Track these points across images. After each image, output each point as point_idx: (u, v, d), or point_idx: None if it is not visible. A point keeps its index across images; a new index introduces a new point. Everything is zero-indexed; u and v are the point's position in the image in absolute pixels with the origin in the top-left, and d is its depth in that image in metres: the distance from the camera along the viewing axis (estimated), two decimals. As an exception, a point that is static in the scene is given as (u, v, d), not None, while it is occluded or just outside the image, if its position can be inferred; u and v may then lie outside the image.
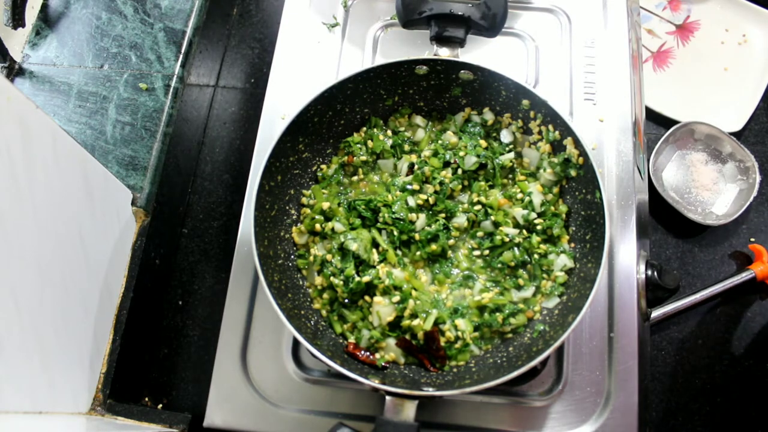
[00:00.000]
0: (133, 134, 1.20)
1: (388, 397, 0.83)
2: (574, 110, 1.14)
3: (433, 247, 0.98)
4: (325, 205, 1.01)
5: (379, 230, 1.00)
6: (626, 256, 1.03)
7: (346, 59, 1.22)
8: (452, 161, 1.04)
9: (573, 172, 0.98)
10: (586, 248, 0.95)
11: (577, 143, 0.96)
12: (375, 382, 0.83)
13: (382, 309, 0.94)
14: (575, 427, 0.95)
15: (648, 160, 1.25)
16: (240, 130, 1.36)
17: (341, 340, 0.96)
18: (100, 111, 1.21)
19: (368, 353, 0.93)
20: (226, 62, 1.43)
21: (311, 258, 1.00)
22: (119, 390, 1.06)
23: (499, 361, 0.92)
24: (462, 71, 1.02)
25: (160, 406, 1.14)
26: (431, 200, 1.02)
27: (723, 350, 1.18)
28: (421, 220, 1.00)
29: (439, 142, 1.07)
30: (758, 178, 1.24)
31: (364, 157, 1.06)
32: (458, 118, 1.09)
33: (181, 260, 1.25)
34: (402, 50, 1.22)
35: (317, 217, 1.01)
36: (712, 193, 1.28)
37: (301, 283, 1.00)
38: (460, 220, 1.01)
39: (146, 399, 1.15)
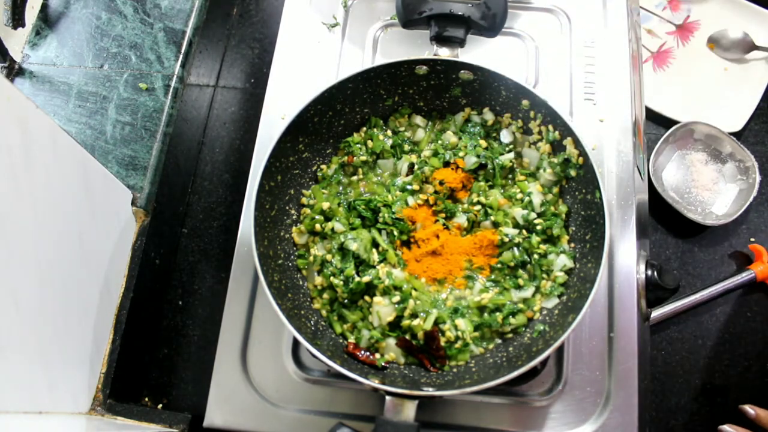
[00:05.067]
0: (133, 134, 1.20)
1: (388, 397, 0.83)
2: (574, 110, 1.14)
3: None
4: (325, 205, 1.01)
5: (379, 230, 1.00)
6: (626, 256, 1.03)
7: (346, 59, 1.22)
8: (452, 161, 1.04)
9: (573, 172, 0.98)
10: (586, 248, 0.95)
11: (577, 143, 0.96)
12: (375, 382, 0.83)
13: (382, 309, 0.94)
14: (575, 427, 0.95)
15: (648, 160, 1.25)
16: (240, 130, 1.36)
17: (341, 340, 0.96)
18: (100, 111, 1.21)
19: (368, 353, 0.93)
20: (226, 62, 1.43)
21: (311, 258, 1.00)
22: (119, 390, 1.06)
23: (499, 361, 0.92)
24: (462, 71, 1.02)
25: (160, 406, 1.14)
26: (431, 200, 1.02)
27: (723, 350, 1.18)
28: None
29: (439, 142, 1.07)
30: (758, 178, 1.24)
31: (364, 157, 1.06)
32: (458, 118, 1.09)
33: (181, 260, 1.25)
34: (402, 50, 1.22)
35: (317, 217, 1.01)
36: (712, 193, 1.28)
37: (301, 283, 1.00)
38: (460, 220, 1.01)
39: (146, 399, 1.15)
